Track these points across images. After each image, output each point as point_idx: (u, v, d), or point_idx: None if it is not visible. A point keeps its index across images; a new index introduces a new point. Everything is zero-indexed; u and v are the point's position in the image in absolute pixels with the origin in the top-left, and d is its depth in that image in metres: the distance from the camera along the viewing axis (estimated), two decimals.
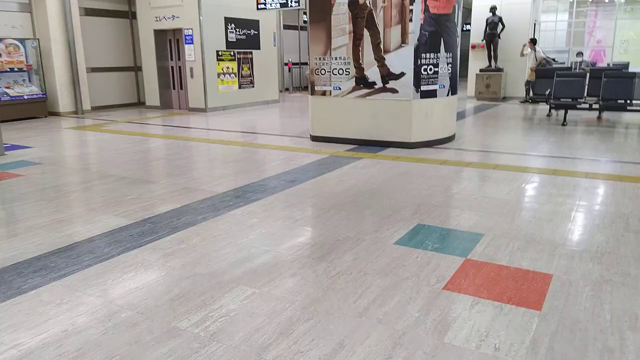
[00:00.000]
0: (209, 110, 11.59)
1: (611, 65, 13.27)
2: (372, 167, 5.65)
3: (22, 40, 10.53)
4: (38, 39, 10.76)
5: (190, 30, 11.29)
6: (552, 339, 2.18)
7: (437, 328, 2.28)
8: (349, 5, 6.63)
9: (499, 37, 13.47)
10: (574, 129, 8.38)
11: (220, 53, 11.75)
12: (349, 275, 2.84)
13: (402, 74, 6.51)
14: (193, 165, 6.00)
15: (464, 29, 14.11)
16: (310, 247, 3.27)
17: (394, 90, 6.61)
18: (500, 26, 13.34)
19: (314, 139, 7.38)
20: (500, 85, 13.35)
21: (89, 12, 11.97)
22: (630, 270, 2.87)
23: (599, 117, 9.69)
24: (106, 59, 12.47)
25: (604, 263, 2.97)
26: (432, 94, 6.66)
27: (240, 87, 12.50)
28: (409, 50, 6.43)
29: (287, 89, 17.65)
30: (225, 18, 11.76)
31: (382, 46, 6.57)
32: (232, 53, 12.08)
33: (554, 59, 13.62)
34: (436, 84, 6.66)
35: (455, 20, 6.80)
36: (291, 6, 11.48)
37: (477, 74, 13.69)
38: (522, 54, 12.80)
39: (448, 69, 6.76)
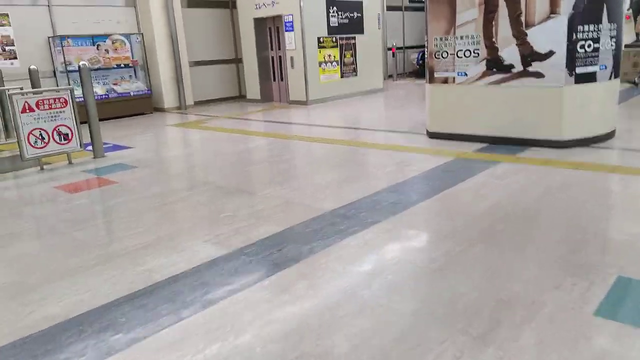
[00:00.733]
0: (310, 103, 10.86)
1: None
2: (516, 175, 4.44)
3: (127, 36, 10.55)
4: (142, 34, 10.72)
5: (290, 17, 10.59)
6: None
7: None
8: None
9: None
10: None
11: (321, 40, 10.94)
12: None
13: (551, 53, 5.16)
14: (294, 171, 5.22)
15: None
16: (462, 313, 2.26)
17: (538, 75, 5.28)
18: None
19: (432, 135, 6.27)
20: None
21: (190, 3, 11.76)
22: None
23: None
24: (208, 51, 12.25)
25: None
26: (590, 77, 5.22)
27: (342, 76, 11.62)
28: (560, 22, 5.06)
29: (390, 76, 16.46)
30: (327, 1, 10.90)
31: (523, 19, 5.26)
32: (334, 39, 11.22)
33: None
34: (596, 64, 5.21)
35: None
36: None
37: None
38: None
39: (611, 45, 5.27)
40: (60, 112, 5.80)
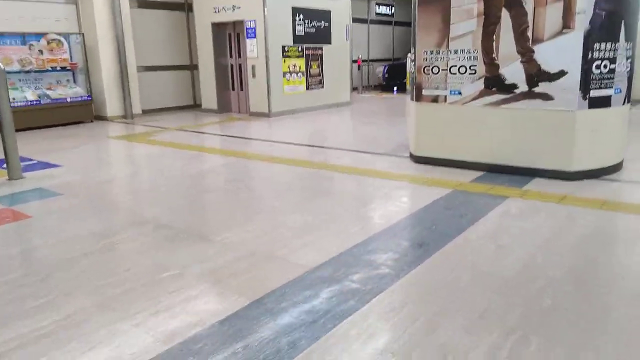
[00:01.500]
0: (273, 115, 9.90)
1: None
2: (536, 216, 3.65)
3: (66, 36, 9.25)
4: (83, 34, 9.45)
5: (253, 23, 9.63)
6: None
7: None
8: None
9: None
10: None
11: (286, 49, 10.03)
12: None
13: (562, 73, 4.46)
14: (258, 204, 4.24)
15: None
16: None
17: (546, 97, 4.56)
18: None
19: (418, 160, 5.45)
20: None
21: (141, 4, 10.59)
22: None
23: None
24: (159, 56, 11.08)
25: None
26: (604, 102, 4.56)
27: (308, 88, 10.74)
28: (575, 39, 4.37)
29: (355, 89, 15.76)
30: (293, 8, 10.02)
31: (529, 33, 4.54)
32: (299, 49, 10.34)
33: None
34: (611, 87, 4.55)
35: None
36: None
37: None
38: None
39: (627, 66, 4.63)
40: None
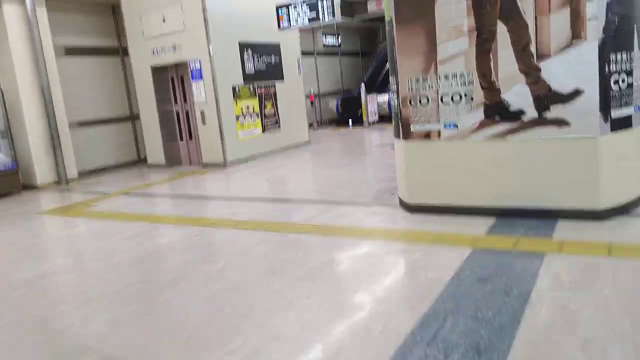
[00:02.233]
0: (229, 165, 8.89)
1: None
2: (596, 283, 2.84)
3: None
4: (2, 90, 8.20)
5: (198, 63, 8.70)
6: None
7: None
8: None
9: None
10: None
11: (237, 89, 9.14)
12: None
13: (577, 93, 3.77)
14: (231, 309, 3.21)
15: None
16: None
17: (560, 122, 3.85)
18: None
19: (413, 209, 4.61)
20: None
21: (69, 51, 9.47)
22: None
23: None
24: (95, 109, 9.92)
25: None
26: (626, 122, 3.89)
27: (264, 131, 9.84)
28: (589, 50, 3.70)
29: (310, 125, 15.02)
30: (240, 43, 9.19)
31: (532, 48, 3.86)
32: (251, 88, 9.47)
33: None
34: (631, 104, 3.90)
35: None
36: (323, 20, 8.93)
37: None
38: None
39: None
40: None
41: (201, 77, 8.72)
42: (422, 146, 4.47)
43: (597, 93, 3.72)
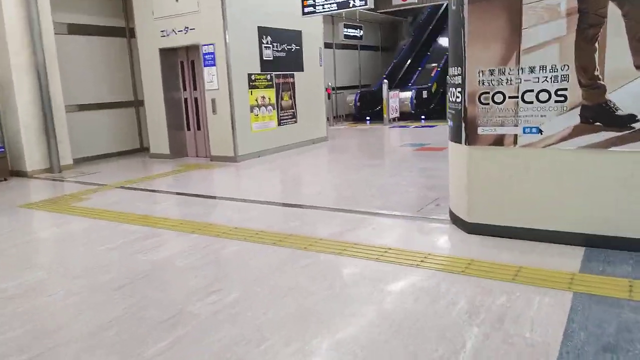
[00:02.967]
0: (240, 160, 8.02)
1: None
2: None
3: None
4: None
5: (212, 47, 7.83)
6: None
7: None
8: None
9: None
10: None
11: (253, 78, 8.26)
12: None
13: None
14: (240, 338, 2.35)
15: None
16: None
17: None
18: None
19: (472, 229, 3.73)
20: None
21: (71, 29, 8.61)
22: None
23: None
24: (95, 92, 9.07)
25: None
26: None
27: (280, 124, 8.97)
28: None
29: (326, 119, 14.16)
30: (260, 28, 8.31)
31: None
32: (269, 77, 8.59)
33: None
34: None
35: None
36: (353, 6, 8.05)
37: None
38: None
39: None
40: None
41: (214, 62, 7.84)
42: (492, 153, 3.59)
43: None
